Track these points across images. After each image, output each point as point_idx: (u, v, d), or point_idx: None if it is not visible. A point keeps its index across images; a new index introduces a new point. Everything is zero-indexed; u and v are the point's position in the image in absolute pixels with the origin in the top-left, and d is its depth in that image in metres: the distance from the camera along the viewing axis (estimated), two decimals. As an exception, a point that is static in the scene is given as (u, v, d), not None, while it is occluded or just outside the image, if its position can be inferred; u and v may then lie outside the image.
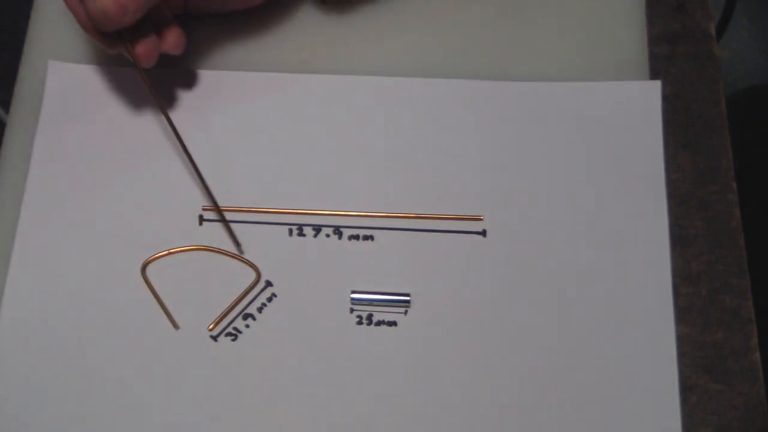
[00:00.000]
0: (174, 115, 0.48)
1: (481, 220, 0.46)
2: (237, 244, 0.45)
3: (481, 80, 0.49)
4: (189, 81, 0.49)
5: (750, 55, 1.21)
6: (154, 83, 0.46)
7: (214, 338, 0.44)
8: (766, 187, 0.78)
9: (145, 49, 0.44)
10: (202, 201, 0.46)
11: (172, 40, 0.46)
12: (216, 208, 0.46)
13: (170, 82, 0.49)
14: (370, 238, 0.46)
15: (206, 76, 0.49)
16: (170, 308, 0.44)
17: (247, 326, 0.44)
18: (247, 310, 0.44)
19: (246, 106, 0.49)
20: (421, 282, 0.45)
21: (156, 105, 0.47)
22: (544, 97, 0.48)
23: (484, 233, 0.46)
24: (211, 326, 0.44)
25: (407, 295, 0.44)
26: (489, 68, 0.49)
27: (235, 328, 0.44)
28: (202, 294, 0.45)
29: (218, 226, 0.46)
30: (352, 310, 0.44)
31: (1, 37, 1.01)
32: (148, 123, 0.48)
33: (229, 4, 0.49)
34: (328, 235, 0.46)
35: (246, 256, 0.45)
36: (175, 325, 0.44)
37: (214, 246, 0.46)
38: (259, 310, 0.44)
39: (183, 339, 0.44)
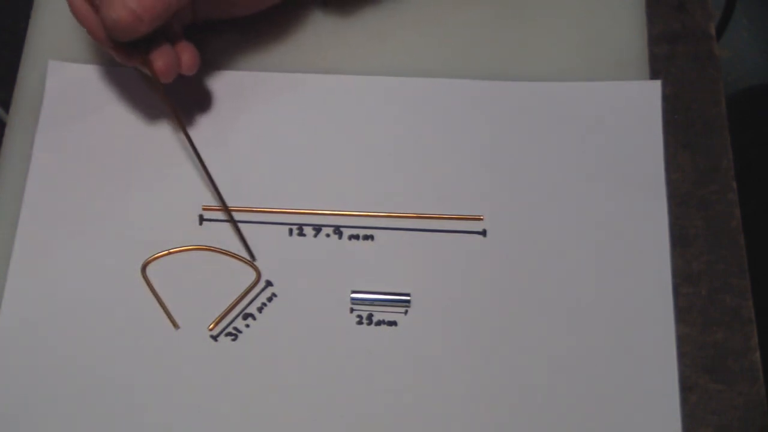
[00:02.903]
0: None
1: (481, 220, 0.46)
2: (249, 251, 0.45)
3: (481, 80, 0.49)
4: (189, 80, 0.49)
5: (750, 55, 1.21)
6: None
7: (214, 338, 0.44)
8: (766, 187, 0.78)
9: (163, 64, 0.43)
10: (202, 201, 0.46)
11: (187, 59, 0.45)
12: (225, 208, 0.46)
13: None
14: (370, 238, 0.46)
15: (206, 75, 0.49)
16: (170, 308, 0.44)
17: (247, 326, 0.44)
18: (247, 310, 0.44)
19: (246, 106, 0.49)
20: (421, 282, 0.45)
21: (174, 118, 0.46)
22: (544, 97, 0.48)
23: (484, 233, 0.46)
24: (211, 326, 0.44)
25: (407, 295, 0.44)
26: (489, 68, 0.49)
27: (235, 328, 0.44)
28: (202, 294, 0.45)
29: (218, 226, 0.46)
30: (352, 310, 0.44)
31: (1, 37, 1.01)
32: (149, 123, 0.48)
33: (235, 10, 0.48)
34: (328, 235, 0.46)
35: (246, 256, 0.45)
36: (175, 325, 0.44)
37: (214, 246, 0.46)
38: (259, 310, 0.44)
39: (183, 339, 0.44)
